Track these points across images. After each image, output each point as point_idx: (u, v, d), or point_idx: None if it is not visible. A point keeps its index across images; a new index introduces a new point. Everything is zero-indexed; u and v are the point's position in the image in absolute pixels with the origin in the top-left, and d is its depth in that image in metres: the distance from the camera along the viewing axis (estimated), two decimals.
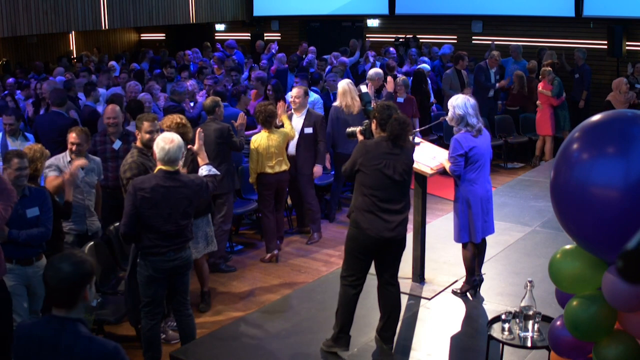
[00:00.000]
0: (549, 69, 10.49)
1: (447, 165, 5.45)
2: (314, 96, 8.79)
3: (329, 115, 8.04)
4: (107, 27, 14.06)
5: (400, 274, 4.88)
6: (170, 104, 8.32)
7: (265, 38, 16.37)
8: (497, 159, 10.68)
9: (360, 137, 5.01)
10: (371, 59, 11.91)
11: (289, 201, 8.12)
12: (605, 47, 12.61)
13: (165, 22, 15.29)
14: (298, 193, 7.75)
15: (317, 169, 7.62)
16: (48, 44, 16.49)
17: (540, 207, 7.72)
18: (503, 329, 4.28)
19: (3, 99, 9.28)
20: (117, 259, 5.74)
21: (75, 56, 16.24)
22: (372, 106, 5.12)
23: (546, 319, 4.23)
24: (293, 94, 7.61)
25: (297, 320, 5.43)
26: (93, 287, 2.78)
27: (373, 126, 4.75)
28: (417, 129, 6.74)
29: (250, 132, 7.75)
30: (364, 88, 5.63)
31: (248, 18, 16.85)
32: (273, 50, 13.41)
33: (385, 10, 15.22)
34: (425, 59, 12.26)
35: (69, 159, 5.65)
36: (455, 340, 5.08)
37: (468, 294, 5.67)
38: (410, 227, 4.87)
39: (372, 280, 4.94)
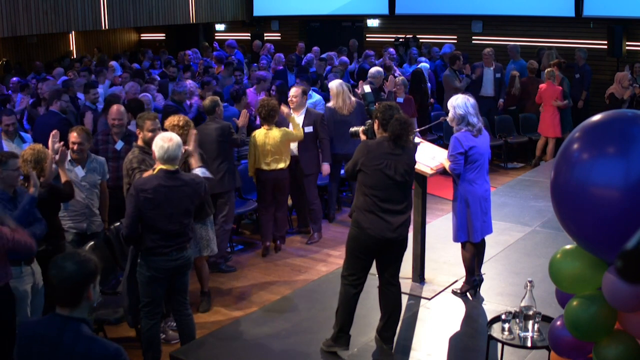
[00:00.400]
0: (551, 69, 10.45)
1: (447, 164, 5.45)
2: (316, 97, 8.79)
3: (325, 116, 8.04)
4: (107, 27, 14.06)
5: (400, 274, 4.88)
6: (169, 103, 8.32)
7: (265, 38, 16.37)
8: (497, 159, 10.68)
9: (362, 137, 5.01)
10: (372, 59, 11.92)
11: (289, 201, 8.12)
12: (605, 47, 12.61)
13: (165, 22, 15.30)
14: (299, 193, 7.75)
15: (326, 167, 7.63)
16: (48, 44, 16.49)
17: (540, 207, 7.72)
18: (503, 329, 4.28)
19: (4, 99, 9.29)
20: (117, 259, 5.74)
21: (75, 57, 16.22)
22: (375, 106, 5.11)
23: (546, 319, 4.23)
24: (291, 93, 7.62)
25: (297, 320, 5.43)
26: (97, 286, 2.78)
27: (375, 126, 4.75)
28: (417, 129, 6.73)
29: None
30: (367, 88, 5.59)
31: (248, 18, 16.86)
32: (271, 50, 13.44)
33: (385, 10, 15.22)
34: (424, 59, 12.25)
35: (69, 158, 5.65)
36: (455, 340, 5.08)
37: (468, 294, 5.67)
38: (410, 227, 4.87)
39: (372, 280, 4.95)
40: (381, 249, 4.67)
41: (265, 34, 16.77)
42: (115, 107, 6.47)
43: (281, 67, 11.84)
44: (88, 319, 2.79)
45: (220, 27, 17.90)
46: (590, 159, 3.01)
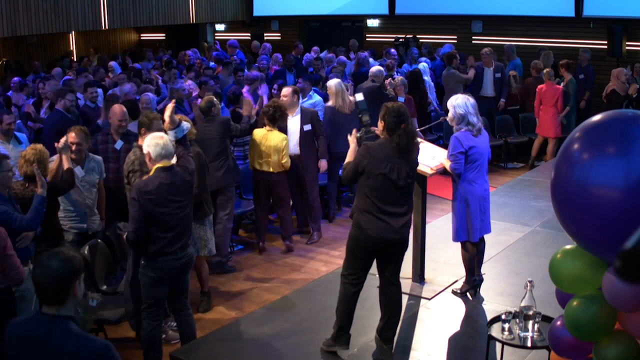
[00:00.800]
0: (549, 69, 10.41)
1: (447, 164, 5.45)
2: (316, 97, 8.80)
3: (324, 116, 8.05)
4: (107, 27, 14.06)
5: (400, 274, 4.88)
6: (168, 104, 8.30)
7: (265, 38, 16.38)
8: (497, 159, 10.67)
9: (352, 144, 4.87)
10: (371, 60, 11.90)
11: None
12: (605, 47, 12.61)
13: (165, 22, 15.30)
14: (299, 192, 7.75)
15: (323, 164, 7.63)
16: (48, 44, 16.49)
17: (540, 207, 7.72)
18: (503, 329, 4.28)
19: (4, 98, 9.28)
20: (117, 259, 5.74)
21: (75, 57, 16.23)
22: (367, 116, 5.03)
23: (546, 319, 4.23)
24: (282, 93, 7.60)
25: (297, 320, 5.43)
26: (82, 283, 2.80)
27: (380, 127, 4.72)
28: (417, 129, 6.72)
29: None
30: (359, 96, 5.42)
31: (248, 18, 16.86)
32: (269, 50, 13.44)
33: (385, 10, 15.22)
34: (424, 59, 12.24)
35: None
36: (455, 340, 5.08)
37: (468, 294, 5.67)
38: (410, 227, 4.87)
39: (372, 281, 4.95)
40: (382, 250, 4.66)
41: (265, 34, 16.77)
42: (119, 108, 6.42)
43: (278, 67, 11.83)
44: (74, 316, 2.81)
45: (220, 27, 17.90)
46: (590, 159, 3.01)
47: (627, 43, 12.59)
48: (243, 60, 12.99)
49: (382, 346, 4.79)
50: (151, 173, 4.67)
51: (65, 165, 5.29)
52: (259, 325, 5.33)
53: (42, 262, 2.76)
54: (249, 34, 16.73)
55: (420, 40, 14.41)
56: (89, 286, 5.15)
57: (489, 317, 4.98)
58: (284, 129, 7.28)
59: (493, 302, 5.54)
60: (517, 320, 4.27)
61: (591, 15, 12.86)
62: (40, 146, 5.32)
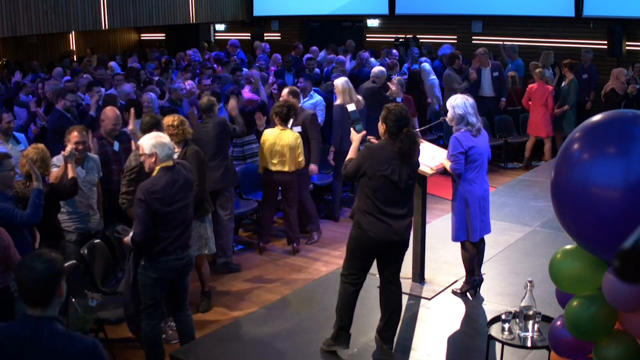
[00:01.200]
0: (540, 70, 10.39)
1: (448, 164, 5.45)
2: (316, 97, 8.79)
3: (333, 115, 8.03)
4: (107, 27, 14.07)
5: (400, 273, 4.88)
6: (165, 104, 8.30)
7: (265, 38, 16.38)
8: (497, 159, 10.66)
9: (355, 143, 4.85)
10: (371, 61, 11.89)
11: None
12: (605, 47, 12.61)
13: (165, 22, 15.30)
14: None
15: (313, 168, 7.55)
16: (48, 44, 16.49)
17: (540, 207, 7.72)
18: (503, 329, 4.28)
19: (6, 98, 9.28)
20: (117, 259, 5.74)
21: (75, 57, 16.22)
22: (360, 126, 5.00)
23: (546, 319, 4.23)
24: (282, 94, 7.59)
25: (297, 320, 5.43)
26: (64, 283, 2.81)
27: (381, 129, 4.72)
28: (417, 129, 6.72)
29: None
30: (351, 107, 5.22)
31: (248, 18, 16.86)
32: (267, 50, 13.43)
33: (385, 10, 15.22)
34: (424, 59, 12.23)
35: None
36: (455, 340, 5.08)
37: (468, 294, 5.67)
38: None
39: (372, 281, 4.95)
40: (382, 250, 4.66)
41: (265, 34, 16.77)
42: (113, 112, 6.38)
43: (275, 68, 11.82)
44: (59, 317, 2.82)
45: (220, 27, 17.90)
46: (590, 159, 3.01)
47: (627, 43, 12.59)
48: (244, 60, 12.99)
49: (382, 346, 4.79)
50: (155, 173, 4.67)
51: (70, 174, 5.27)
52: (259, 325, 5.33)
53: (25, 264, 2.77)
54: (249, 34, 16.73)
55: (420, 40, 14.41)
56: (88, 286, 5.16)
57: (489, 317, 4.98)
58: None
59: (493, 302, 5.54)
60: (517, 320, 4.27)
61: (591, 15, 12.86)
62: (42, 145, 5.34)
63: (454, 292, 5.74)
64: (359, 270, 4.71)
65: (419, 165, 4.87)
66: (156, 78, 10.55)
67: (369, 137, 4.93)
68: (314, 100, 8.66)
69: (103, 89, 9.16)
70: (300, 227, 7.92)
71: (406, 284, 5.70)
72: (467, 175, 5.41)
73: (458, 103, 5.41)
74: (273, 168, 7.07)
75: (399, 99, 9.06)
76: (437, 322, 5.34)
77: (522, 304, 4.23)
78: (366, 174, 4.58)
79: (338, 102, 8.00)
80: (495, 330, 4.33)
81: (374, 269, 4.78)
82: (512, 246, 6.73)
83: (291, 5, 16.04)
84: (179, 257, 4.73)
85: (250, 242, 7.79)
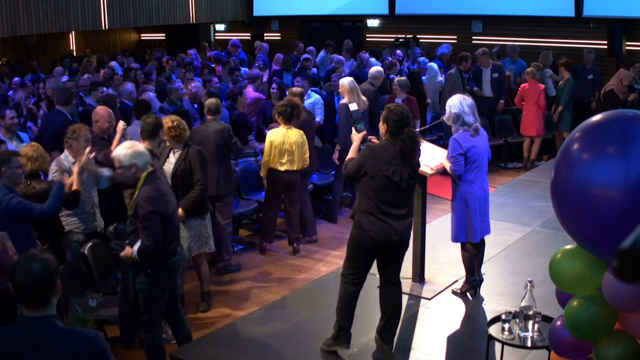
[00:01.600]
0: (532, 69, 10.37)
1: (448, 165, 5.45)
2: (314, 97, 8.78)
3: (338, 114, 8.01)
4: (107, 27, 14.07)
5: (400, 273, 4.88)
6: (164, 106, 8.28)
7: (265, 38, 16.38)
8: (497, 159, 10.66)
9: (355, 142, 4.88)
10: (371, 61, 11.89)
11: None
12: (605, 47, 12.61)
13: (165, 22, 15.30)
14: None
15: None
16: (48, 44, 16.49)
17: (540, 207, 7.72)
18: (503, 329, 4.28)
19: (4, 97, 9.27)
20: (117, 259, 5.72)
21: (76, 58, 16.24)
22: (361, 124, 4.99)
23: (546, 319, 4.23)
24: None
25: (297, 320, 5.43)
26: (58, 281, 2.81)
27: (382, 129, 4.71)
28: (417, 129, 6.71)
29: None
30: (352, 106, 5.26)
31: (248, 18, 16.87)
32: (266, 49, 13.43)
33: (385, 10, 15.23)
34: (424, 59, 12.22)
35: (72, 158, 5.61)
36: (455, 340, 5.08)
37: (468, 294, 5.67)
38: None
39: (372, 281, 4.95)
40: (382, 250, 4.67)
41: (265, 34, 16.77)
42: (105, 110, 6.34)
43: (277, 67, 11.82)
44: (56, 315, 2.82)
45: (220, 27, 17.91)
46: (590, 159, 3.01)
47: (627, 43, 12.60)
48: (245, 59, 12.98)
49: (382, 346, 4.79)
50: (141, 182, 4.54)
51: (75, 186, 5.15)
52: (259, 325, 5.33)
53: (22, 267, 2.75)
54: (249, 34, 16.73)
55: (420, 40, 14.39)
56: (88, 286, 5.15)
57: (489, 317, 4.98)
58: None
59: (493, 302, 5.54)
60: (517, 320, 4.27)
61: (591, 15, 12.87)
62: (36, 144, 5.40)
63: (454, 292, 5.74)
64: (359, 270, 4.71)
65: (419, 166, 4.88)
66: (153, 77, 10.56)
67: (369, 137, 4.93)
68: (311, 100, 8.66)
69: (107, 90, 9.15)
70: (303, 227, 7.94)
71: (406, 284, 5.70)
72: (467, 175, 5.41)
73: (454, 102, 5.43)
74: (282, 168, 7.03)
75: (398, 100, 9.06)
76: (437, 322, 5.34)
77: (522, 304, 4.23)
78: (367, 174, 4.58)
79: (344, 100, 7.99)
80: (495, 330, 4.33)
81: (374, 269, 4.79)
82: (512, 246, 6.73)
83: (291, 5, 16.05)
84: (181, 254, 4.77)
85: (251, 242, 7.79)
